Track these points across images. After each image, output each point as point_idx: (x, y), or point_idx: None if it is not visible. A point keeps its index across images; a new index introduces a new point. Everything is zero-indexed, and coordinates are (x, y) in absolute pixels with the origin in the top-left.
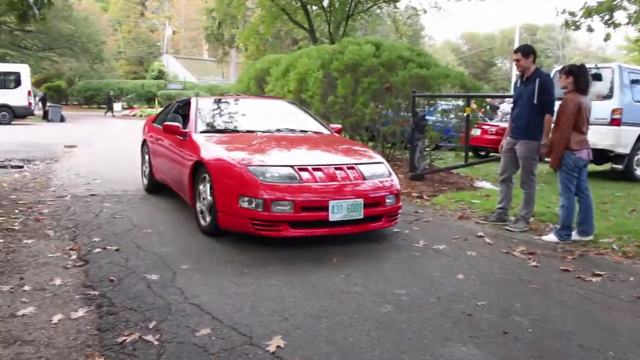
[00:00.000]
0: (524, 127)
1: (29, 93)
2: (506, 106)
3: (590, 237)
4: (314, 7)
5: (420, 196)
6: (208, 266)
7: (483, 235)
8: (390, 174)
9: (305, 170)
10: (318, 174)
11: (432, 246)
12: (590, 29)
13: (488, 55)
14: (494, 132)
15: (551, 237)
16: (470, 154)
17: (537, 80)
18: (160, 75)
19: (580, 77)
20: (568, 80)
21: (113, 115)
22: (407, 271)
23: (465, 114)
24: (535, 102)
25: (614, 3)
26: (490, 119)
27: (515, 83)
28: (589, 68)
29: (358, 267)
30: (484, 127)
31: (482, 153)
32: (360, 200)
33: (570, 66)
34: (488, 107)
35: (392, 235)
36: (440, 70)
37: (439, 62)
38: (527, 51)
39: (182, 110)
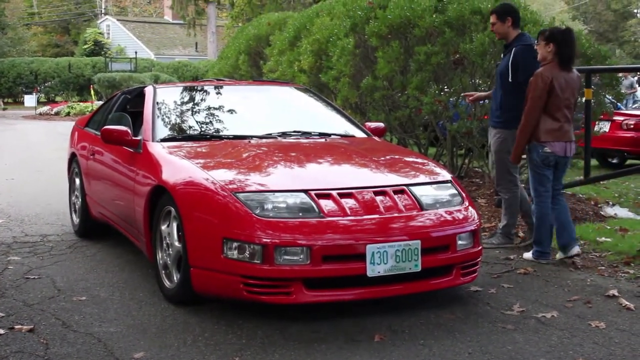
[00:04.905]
0: (496, 113)
1: None
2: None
3: (576, 252)
4: None
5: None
6: (177, 354)
7: (618, 294)
8: (463, 199)
9: (328, 197)
10: (348, 203)
11: (534, 314)
12: None
13: (620, 3)
14: (632, 126)
15: (530, 255)
16: (595, 162)
17: (513, 51)
18: (98, 49)
19: (563, 46)
20: (548, 48)
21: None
22: (494, 356)
23: (584, 99)
24: (510, 79)
25: None
26: (626, 105)
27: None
28: None
29: (414, 350)
30: (616, 118)
31: (614, 160)
32: (417, 243)
33: (551, 30)
34: (621, 86)
35: (468, 297)
36: (541, 31)
37: (538, 16)
38: (502, 12)
39: (132, 105)
